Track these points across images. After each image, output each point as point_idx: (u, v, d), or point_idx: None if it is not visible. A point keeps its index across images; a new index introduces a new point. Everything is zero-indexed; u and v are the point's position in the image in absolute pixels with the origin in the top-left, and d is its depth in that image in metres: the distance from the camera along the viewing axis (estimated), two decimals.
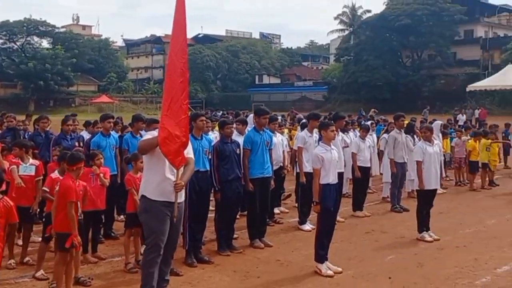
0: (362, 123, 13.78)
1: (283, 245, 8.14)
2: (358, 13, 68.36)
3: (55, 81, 63.91)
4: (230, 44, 78.77)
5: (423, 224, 8.53)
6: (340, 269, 6.80)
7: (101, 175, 7.05)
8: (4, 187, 5.69)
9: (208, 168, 7.23)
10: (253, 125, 8.34)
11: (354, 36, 66.68)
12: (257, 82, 77.75)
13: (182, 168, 5.39)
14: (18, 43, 70.41)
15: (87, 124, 10.92)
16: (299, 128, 12.70)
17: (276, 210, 9.95)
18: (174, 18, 5.47)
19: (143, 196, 5.51)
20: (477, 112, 35.36)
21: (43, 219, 6.85)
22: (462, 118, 31.83)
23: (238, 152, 7.69)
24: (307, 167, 8.59)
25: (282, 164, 9.86)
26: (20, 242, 7.28)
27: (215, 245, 7.73)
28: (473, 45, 57.47)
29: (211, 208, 7.73)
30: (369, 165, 10.67)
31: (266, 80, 78.52)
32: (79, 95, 69.35)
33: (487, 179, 13.75)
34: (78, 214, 5.89)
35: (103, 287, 6.27)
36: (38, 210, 7.65)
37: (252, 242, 7.97)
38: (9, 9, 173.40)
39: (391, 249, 7.96)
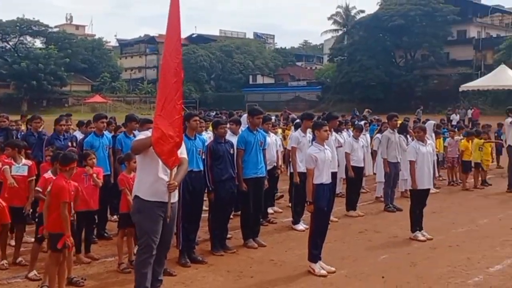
0: (356, 123, 13.82)
1: (276, 244, 8.15)
2: (352, 13, 68.59)
3: (48, 81, 63.64)
4: (224, 44, 78.72)
5: (416, 223, 8.56)
6: (333, 269, 6.81)
7: (94, 175, 7.03)
8: None
9: (202, 168, 7.23)
10: (247, 125, 8.35)
11: (347, 36, 66.85)
12: (251, 82, 77.76)
13: (175, 168, 5.39)
14: (11, 43, 70.07)
15: (80, 124, 10.88)
16: (292, 128, 12.72)
17: (269, 210, 9.96)
18: (168, 18, 5.46)
19: (136, 197, 5.50)
20: (470, 112, 35.55)
21: (36, 220, 6.82)
22: (456, 118, 32.02)
23: (231, 152, 7.69)
24: (301, 167, 8.60)
25: (275, 164, 9.89)
26: (12, 242, 7.24)
27: (208, 245, 7.73)
28: (466, 45, 57.76)
29: (204, 208, 7.73)
30: (362, 165, 10.70)
31: (260, 80, 78.56)
32: (72, 95, 69.08)
33: (479, 178, 13.81)
34: (71, 214, 5.88)
35: None
36: (31, 210, 7.62)
37: (246, 242, 7.98)
38: (2, 9, 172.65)
39: (384, 248, 7.98)
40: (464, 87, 36.23)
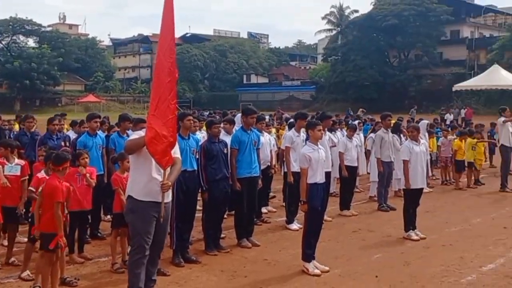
0: (349, 122, 13.84)
1: (270, 244, 8.15)
2: (346, 13, 68.64)
3: (41, 80, 63.40)
4: (218, 44, 78.65)
5: (410, 223, 8.58)
6: (327, 268, 6.82)
7: (87, 175, 7.01)
8: None
9: (196, 168, 7.22)
10: (241, 125, 8.34)
11: (341, 36, 66.97)
12: (245, 82, 77.74)
13: (169, 168, 5.37)
14: (3, 42, 69.64)
15: (73, 124, 10.84)
16: (286, 127, 12.72)
17: (263, 210, 9.96)
18: (162, 18, 5.45)
19: (129, 197, 5.48)
20: (463, 111, 35.70)
21: (29, 220, 6.79)
22: (450, 117, 32.16)
23: (225, 151, 7.68)
24: (295, 167, 8.61)
25: (269, 164, 9.88)
26: (5, 242, 7.21)
27: (202, 244, 7.72)
28: (459, 45, 58.01)
29: (198, 207, 7.71)
30: (356, 165, 10.72)
31: (254, 79, 78.56)
32: (66, 94, 68.84)
33: (472, 178, 13.86)
34: (65, 214, 5.85)
35: None
36: (24, 210, 7.58)
37: (240, 241, 7.97)
38: None
39: (378, 247, 8.00)
40: (458, 86, 36.39)
